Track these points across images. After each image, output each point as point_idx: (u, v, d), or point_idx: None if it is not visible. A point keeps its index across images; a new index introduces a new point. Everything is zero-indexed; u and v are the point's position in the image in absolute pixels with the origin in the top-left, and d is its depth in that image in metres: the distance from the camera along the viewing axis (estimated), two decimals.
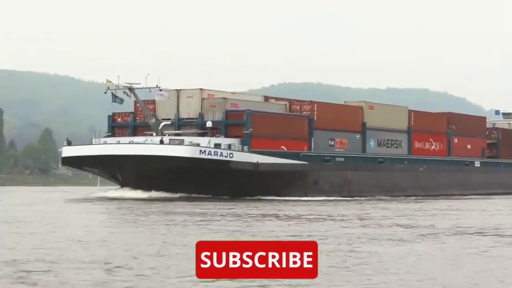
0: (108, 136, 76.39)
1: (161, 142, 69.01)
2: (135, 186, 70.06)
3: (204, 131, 71.72)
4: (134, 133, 75.56)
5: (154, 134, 72.18)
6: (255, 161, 71.06)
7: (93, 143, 73.93)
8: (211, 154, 68.51)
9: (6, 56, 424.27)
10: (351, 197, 78.40)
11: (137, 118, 76.19)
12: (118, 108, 78.01)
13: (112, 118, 78.01)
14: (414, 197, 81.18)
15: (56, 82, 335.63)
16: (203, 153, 68.21)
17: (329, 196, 76.28)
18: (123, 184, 71.85)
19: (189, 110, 73.80)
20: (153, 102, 75.03)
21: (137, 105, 75.36)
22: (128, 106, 77.42)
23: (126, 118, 77.13)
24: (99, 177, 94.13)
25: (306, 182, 76.15)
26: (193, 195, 69.14)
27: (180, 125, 74.16)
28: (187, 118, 74.11)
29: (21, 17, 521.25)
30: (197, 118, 73.24)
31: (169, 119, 74.01)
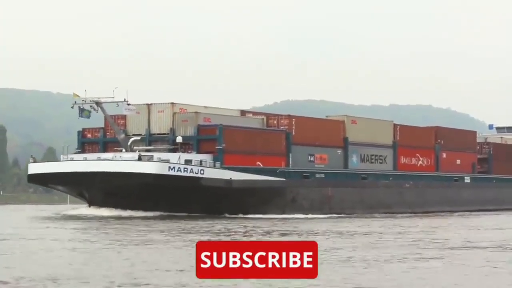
0: (78, 152, 73.73)
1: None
2: (102, 204, 67.19)
3: (175, 147, 68.86)
4: (105, 149, 72.85)
5: (124, 150, 69.44)
6: (228, 178, 68.15)
7: (61, 159, 71.17)
8: (180, 171, 65.62)
9: (10, 74, 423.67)
10: (332, 214, 75.46)
11: (107, 133, 73.42)
12: (91, 123, 75.20)
13: (82, 133, 75.28)
14: (399, 214, 78.12)
15: (59, 101, 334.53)
16: (172, 169, 65.35)
17: (309, 214, 73.33)
18: (90, 202, 69.00)
19: (160, 125, 71.05)
20: (124, 117, 72.29)
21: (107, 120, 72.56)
22: (99, 121, 74.73)
23: (96, 134, 74.39)
24: (69, 195, 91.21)
25: (283, 200, 73.18)
26: (164, 213, 66.22)
27: (151, 140, 71.39)
28: (158, 134, 71.34)
29: (23, 36, 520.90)
30: (168, 134, 70.42)
31: (140, 134, 71.28)
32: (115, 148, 71.12)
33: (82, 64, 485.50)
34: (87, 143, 74.78)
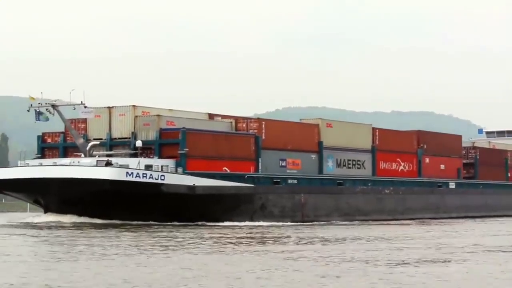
0: (38, 157, 70.62)
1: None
2: (58, 212, 64.00)
3: (137, 152, 65.59)
4: (65, 155, 69.74)
5: (83, 155, 66.24)
6: (191, 184, 64.84)
7: (18, 165, 67.96)
8: (139, 177, 62.33)
9: (12, 82, 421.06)
10: (305, 222, 72.18)
11: (68, 138, 70.18)
12: (52, 126, 72.11)
13: (42, 138, 72.10)
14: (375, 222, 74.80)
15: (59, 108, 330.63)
16: (130, 175, 62.06)
17: (279, 221, 70.08)
18: (46, 209, 65.80)
19: (121, 129, 67.82)
20: (85, 120, 69.14)
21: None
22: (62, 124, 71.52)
23: (56, 139, 71.23)
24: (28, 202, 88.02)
25: (252, 206, 69.86)
26: (124, 221, 62.92)
27: (112, 145, 68.14)
28: (119, 138, 68.09)
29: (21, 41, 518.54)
30: (129, 138, 67.15)
31: (101, 139, 68.09)
32: (75, 154, 68.00)
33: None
34: (47, 148, 71.66)
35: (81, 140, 66.99)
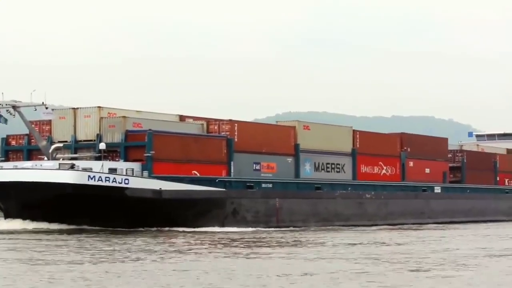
0: (2, 160, 68.20)
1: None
2: (19, 217, 61.53)
3: (103, 154, 63.07)
4: (29, 157, 67.33)
5: (46, 158, 63.84)
6: (157, 188, 62.33)
7: None
8: (101, 180, 59.88)
9: None
10: (280, 227, 69.67)
11: (32, 140, 67.72)
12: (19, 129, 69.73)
13: (6, 141, 69.71)
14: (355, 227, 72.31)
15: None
16: (92, 179, 59.61)
17: (253, 227, 67.60)
18: (6, 214, 63.34)
19: (86, 131, 65.33)
20: (49, 122, 66.75)
21: (33, 125, 66.87)
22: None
23: (20, 141, 68.86)
24: None
25: (223, 212, 67.27)
26: (85, 226, 60.53)
27: (77, 148, 65.64)
28: (84, 140, 65.59)
29: None
30: (95, 140, 64.65)
31: (66, 141, 65.64)
32: (39, 157, 65.64)
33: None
34: (11, 151, 69.30)
35: (43, 143, 64.62)
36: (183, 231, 59.68)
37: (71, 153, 64.99)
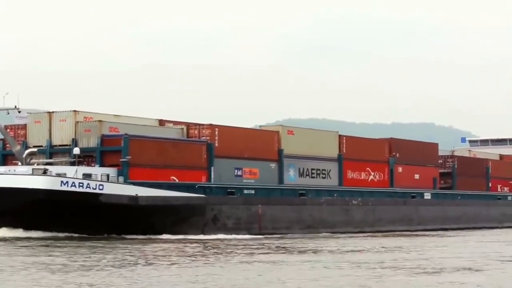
0: None
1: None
2: None
3: (77, 160, 61.39)
4: (4, 162, 65.73)
5: (20, 163, 62.17)
6: (133, 194, 60.61)
7: None
8: (75, 186, 58.19)
9: None
10: (262, 234, 67.97)
11: (7, 145, 66.03)
12: None
13: None
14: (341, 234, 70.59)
15: None
16: (65, 184, 57.92)
17: (234, 234, 65.86)
18: None
19: (62, 136, 63.65)
20: (25, 126, 65.08)
21: (7, 130, 65.14)
22: None
23: None
24: None
25: (203, 218, 65.53)
26: (59, 234, 58.81)
27: (52, 152, 63.96)
28: (60, 145, 63.92)
29: None
30: (70, 145, 62.94)
31: (41, 146, 63.98)
32: (14, 162, 64.02)
33: None
34: None
35: (17, 147, 62.95)
36: (154, 239, 58.03)
37: (46, 158, 63.35)
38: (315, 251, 47.32)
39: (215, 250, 46.71)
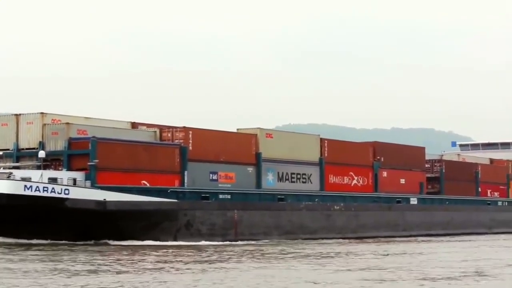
0: None
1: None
2: None
3: (42, 163, 59.39)
4: None
5: None
6: (102, 199, 58.59)
7: None
8: (39, 191, 56.21)
9: None
10: (238, 240, 65.92)
11: None
12: None
13: None
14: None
15: None
16: (28, 189, 55.96)
17: (208, 240, 63.78)
18: None
19: (29, 139, 61.72)
20: None
21: None
22: None
23: None
24: None
25: (175, 224, 63.49)
26: (22, 240, 56.80)
27: (19, 156, 61.98)
28: (27, 148, 61.94)
29: None
30: (38, 148, 60.96)
31: (8, 149, 62.01)
32: None
33: None
34: None
35: None
36: (119, 245, 56.04)
37: (13, 162, 61.41)
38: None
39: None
